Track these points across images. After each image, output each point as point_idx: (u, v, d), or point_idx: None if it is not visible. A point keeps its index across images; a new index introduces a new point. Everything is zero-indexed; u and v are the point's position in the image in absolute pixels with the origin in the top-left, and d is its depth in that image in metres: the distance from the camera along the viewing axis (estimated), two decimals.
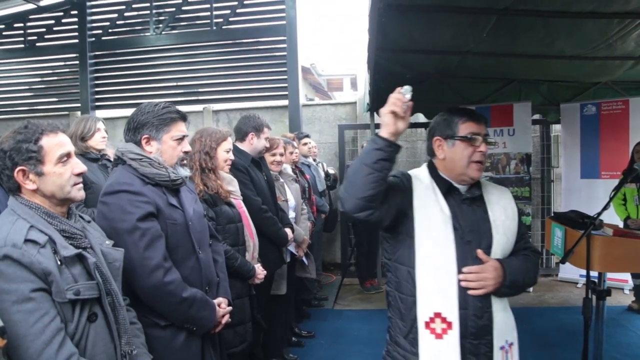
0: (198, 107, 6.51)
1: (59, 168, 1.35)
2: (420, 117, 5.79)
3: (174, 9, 6.35)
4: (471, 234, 1.51)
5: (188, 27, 6.39)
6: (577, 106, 5.26)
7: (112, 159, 2.06)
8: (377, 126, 5.66)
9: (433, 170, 1.60)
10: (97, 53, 6.65)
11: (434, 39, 3.67)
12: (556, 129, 5.98)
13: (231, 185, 2.53)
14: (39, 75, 6.91)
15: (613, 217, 4.12)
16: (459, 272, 1.46)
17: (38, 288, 1.22)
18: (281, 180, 3.38)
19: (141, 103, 1.83)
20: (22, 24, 6.80)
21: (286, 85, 6.10)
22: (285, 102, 6.20)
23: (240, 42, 6.26)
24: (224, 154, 2.50)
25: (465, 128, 1.54)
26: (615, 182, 2.86)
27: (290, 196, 3.44)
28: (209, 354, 1.85)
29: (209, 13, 6.27)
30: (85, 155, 2.79)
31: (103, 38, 6.60)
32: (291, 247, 3.35)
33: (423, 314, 1.47)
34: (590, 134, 5.17)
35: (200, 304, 1.76)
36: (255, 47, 6.23)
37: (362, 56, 3.86)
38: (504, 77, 5.14)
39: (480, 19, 3.24)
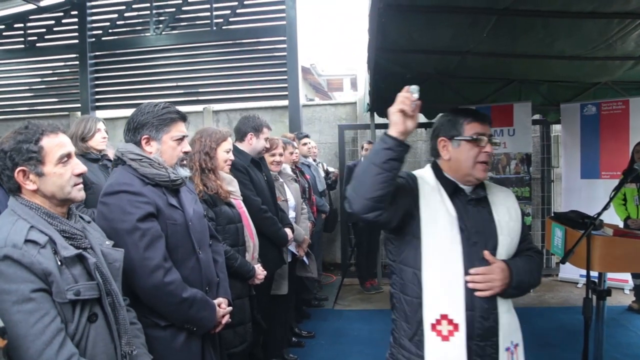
0: (198, 108, 6.52)
1: (60, 168, 1.35)
2: (421, 117, 5.76)
3: (174, 9, 6.35)
4: (477, 235, 1.50)
5: (188, 28, 6.39)
6: (577, 106, 5.26)
7: (112, 160, 2.06)
8: (377, 126, 5.69)
9: (438, 171, 1.59)
10: (97, 53, 6.65)
11: (434, 39, 3.67)
12: (556, 129, 5.98)
13: (231, 186, 2.52)
14: (39, 76, 6.92)
15: (613, 217, 4.12)
16: (466, 273, 1.45)
17: (38, 288, 1.22)
18: (280, 180, 3.38)
19: (141, 103, 1.83)
20: (22, 25, 6.81)
21: (286, 85, 6.10)
22: (285, 102, 6.20)
23: (240, 42, 6.26)
24: (224, 154, 2.50)
25: (470, 129, 1.53)
26: (616, 182, 2.86)
27: (290, 196, 3.45)
28: (209, 354, 1.85)
29: (209, 13, 6.27)
30: (85, 155, 2.79)
31: (103, 38, 6.61)
32: (292, 247, 3.35)
33: (429, 316, 1.45)
34: (590, 134, 5.17)
35: (201, 304, 1.76)
36: (255, 47, 6.24)
37: (362, 56, 3.86)
38: (504, 77, 5.14)
39: (480, 19, 3.24)
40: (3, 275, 1.20)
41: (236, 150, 2.73)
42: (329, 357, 3.69)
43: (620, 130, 4.93)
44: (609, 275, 2.36)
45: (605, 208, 2.11)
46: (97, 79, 6.69)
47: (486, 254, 1.48)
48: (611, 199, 2.17)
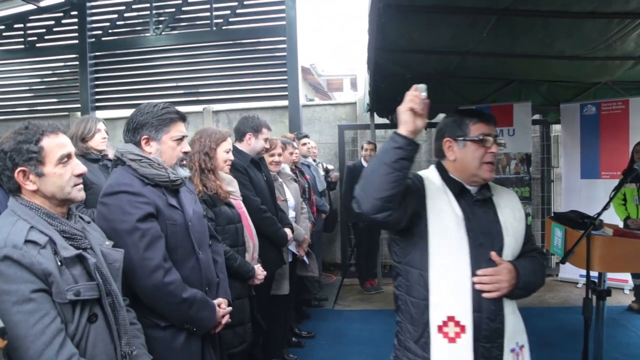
0: (198, 108, 6.52)
1: (60, 169, 1.35)
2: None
3: (174, 10, 6.35)
4: (484, 236, 1.49)
5: (188, 28, 6.39)
6: (577, 106, 5.26)
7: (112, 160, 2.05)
8: (377, 126, 5.69)
9: (443, 172, 1.58)
10: (97, 54, 6.65)
11: (434, 40, 3.67)
12: (556, 129, 5.99)
13: (231, 186, 2.52)
14: (39, 76, 6.92)
15: (613, 217, 4.12)
16: (473, 274, 1.44)
17: (38, 289, 1.22)
18: (280, 180, 3.38)
19: (141, 104, 1.83)
20: (22, 25, 6.81)
21: (286, 85, 6.10)
22: (285, 103, 6.20)
23: (240, 43, 6.26)
24: (224, 154, 2.50)
25: (476, 129, 1.52)
26: (615, 182, 2.86)
27: (289, 196, 3.45)
28: (209, 354, 1.85)
29: (209, 13, 6.27)
30: (85, 156, 2.79)
31: (103, 39, 6.61)
32: (292, 247, 3.35)
33: (436, 317, 1.44)
34: (590, 134, 5.18)
35: (200, 304, 1.76)
36: (255, 48, 6.24)
37: (362, 56, 3.87)
38: (504, 78, 5.15)
39: (480, 20, 3.24)
40: (3, 276, 1.20)
41: (235, 151, 2.73)
42: (329, 357, 3.69)
43: (620, 130, 4.93)
44: (609, 275, 2.37)
45: (605, 208, 2.11)
46: (97, 79, 6.70)
47: (493, 254, 1.47)
48: (611, 199, 2.17)
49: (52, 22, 6.74)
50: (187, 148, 1.87)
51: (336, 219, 5.80)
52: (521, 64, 4.39)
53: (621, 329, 4.01)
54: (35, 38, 6.79)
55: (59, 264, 1.27)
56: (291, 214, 3.42)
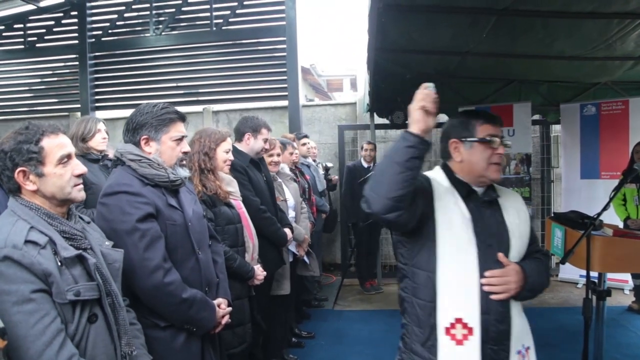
0: (198, 108, 6.52)
1: (60, 169, 1.35)
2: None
3: (173, 10, 6.35)
4: (491, 238, 1.48)
5: (188, 28, 6.39)
6: (577, 106, 5.26)
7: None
8: (377, 127, 5.67)
9: (449, 173, 1.57)
10: (97, 54, 6.65)
11: (434, 40, 3.67)
12: (556, 129, 5.99)
13: (230, 186, 2.52)
14: (39, 76, 6.92)
15: (613, 218, 4.12)
16: (481, 276, 1.43)
17: (38, 289, 1.22)
18: (279, 180, 3.38)
19: (141, 104, 1.83)
20: (22, 25, 6.80)
21: (286, 85, 6.10)
22: (285, 103, 6.20)
23: (240, 43, 6.26)
24: (223, 154, 2.50)
25: (483, 130, 1.51)
26: (615, 182, 2.87)
27: (289, 195, 3.44)
28: (209, 354, 1.85)
29: (208, 14, 6.27)
30: (85, 156, 2.79)
31: (103, 39, 6.61)
32: (292, 247, 3.35)
33: (443, 319, 1.43)
34: (590, 134, 5.18)
35: (200, 304, 1.76)
36: (255, 48, 6.24)
37: (362, 56, 3.86)
38: (503, 78, 5.15)
39: (480, 20, 3.24)
40: (3, 276, 1.20)
41: (235, 151, 2.72)
42: (329, 357, 3.69)
43: (620, 130, 4.93)
44: (609, 275, 2.37)
45: (605, 208, 2.12)
46: (97, 79, 6.69)
47: (500, 256, 1.46)
48: (611, 199, 2.18)
49: (52, 23, 6.74)
50: (187, 148, 1.86)
51: (336, 219, 5.80)
52: (521, 64, 4.39)
53: (621, 329, 4.01)
54: (35, 38, 6.79)
55: (59, 264, 1.27)
56: (291, 214, 3.42)
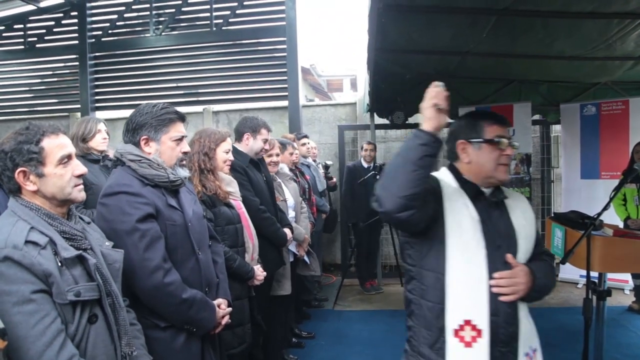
0: (198, 108, 6.52)
1: (60, 169, 1.36)
2: (420, 118, 5.75)
3: (173, 10, 6.36)
4: (500, 239, 1.48)
5: (188, 28, 6.39)
6: (577, 106, 5.26)
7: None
8: (377, 127, 5.66)
9: (457, 174, 1.57)
10: (97, 54, 6.65)
11: (434, 40, 3.67)
12: (556, 129, 5.99)
13: (230, 187, 2.52)
14: (39, 77, 6.92)
15: (613, 218, 4.12)
16: (490, 277, 1.42)
17: (39, 289, 1.22)
18: (278, 180, 3.38)
19: (141, 104, 1.83)
20: (22, 25, 6.81)
21: (286, 86, 6.10)
22: (285, 103, 6.20)
23: (240, 43, 6.27)
24: (223, 154, 2.50)
25: (491, 131, 1.51)
26: (615, 182, 2.87)
27: (288, 195, 3.44)
28: (209, 355, 1.85)
29: (208, 14, 6.27)
30: (86, 156, 2.79)
31: (103, 39, 6.61)
32: (292, 247, 3.35)
33: (452, 321, 1.42)
34: (590, 135, 5.18)
35: (200, 304, 1.76)
36: (255, 48, 6.24)
37: (362, 57, 3.86)
38: (503, 78, 5.15)
39: (480, 20, 3.24)
40: (3, 277, 1.20)
41: (235, 151, 2.72)
42: (329, 357, 3.69)
43: (620, 130, 4.93)
44: (609, 275, 2.37)
45: (605, 208, 2.12)
46: (97, 79, 6.70)
47: (509, 257, 1.45)
48: (611, 199, 2.17)
49: (52, 23, 6.74)
50: (187, 148, 1.86)
51: (336, 219, 5.80)
52: (521, 64, 4.39)
53: (621, 329, 4.01)
54: (35, 39, 6.79)
55: (59, 264, 1.27)
56: (291, 214, 3.42)
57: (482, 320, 1.41)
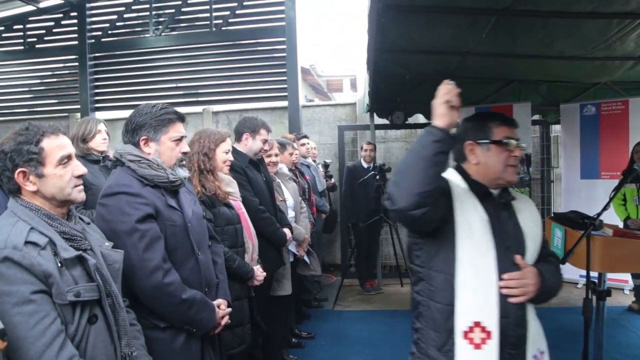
0: (198, 108, 6.52)
1: (60, 170, 1.35)
2: (420, 118, 5.79)
3: (173, 10, 6.35)
4: (509, 240, 1.47)
5: (187, 29, 6.39)
6: (576, 106, 5.26)
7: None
8: (377, 127, 5.66)
9: (465, 175, 1.56)
10: (96, 54, 6.65)
11: (434, 40, 3.67)
12: (556, 129, 5.99)
13: (230, 187, 2.52)
14: (38, 77, 6.92)
15: (613, 218, 4.12)
16: (499, 279, 1.42)
17: (38, 290, 1.22)
18: (277, 180, 3.38)
19: (140, 104, 1.83)
20: (21, 26, 6.80)
21: (286, 86, 6.10)
22: (284, 103, 6.20)
23: (239, 43, 6.27)
24: (223, 155, 2.49)
25: (499, 132, 1.50)
26: (615, 182, 2.87)
27: (288, 195, 3.44)
28: (208, 355, 1.85)
29: (208, 14, 6.27)
30: (86, 157, 2.79)
31: (102, 39, 6.61)
32: (292, 247, 3.34)
33: (462, 323, 1.41)
34: (590, 135, 5.18)
35: (200, 305, 1.75)
36: (255, 48, 6.24)
37: (362, 57, 3.87)
38: (503, 78, 5.15)
39: (480, 20, 3.25)
40: (3, 277, 1.20)
41: (234, 151, 2.72)
42: (329, 357, 3.69)
43: (619, 130, 4.93)
44: (609, 275, 2.37)
45: (605, 208, 2.12)
46: (97, 80, 6.69)
47: (518, 258, 1.44)
48: (611, 199, 2.17)
49: (52, 23, 6.74)
50: (186, 148, 1.86)
51: (336, 219, 5.80)
52: (521, 64, 4.39)
53: (621, 329, 4.01)
54: (35, 39, 6.79)
55: (59, 265, 1.27)
56: (290, 214, 3.42)
57: (492, 322, 1.39)
